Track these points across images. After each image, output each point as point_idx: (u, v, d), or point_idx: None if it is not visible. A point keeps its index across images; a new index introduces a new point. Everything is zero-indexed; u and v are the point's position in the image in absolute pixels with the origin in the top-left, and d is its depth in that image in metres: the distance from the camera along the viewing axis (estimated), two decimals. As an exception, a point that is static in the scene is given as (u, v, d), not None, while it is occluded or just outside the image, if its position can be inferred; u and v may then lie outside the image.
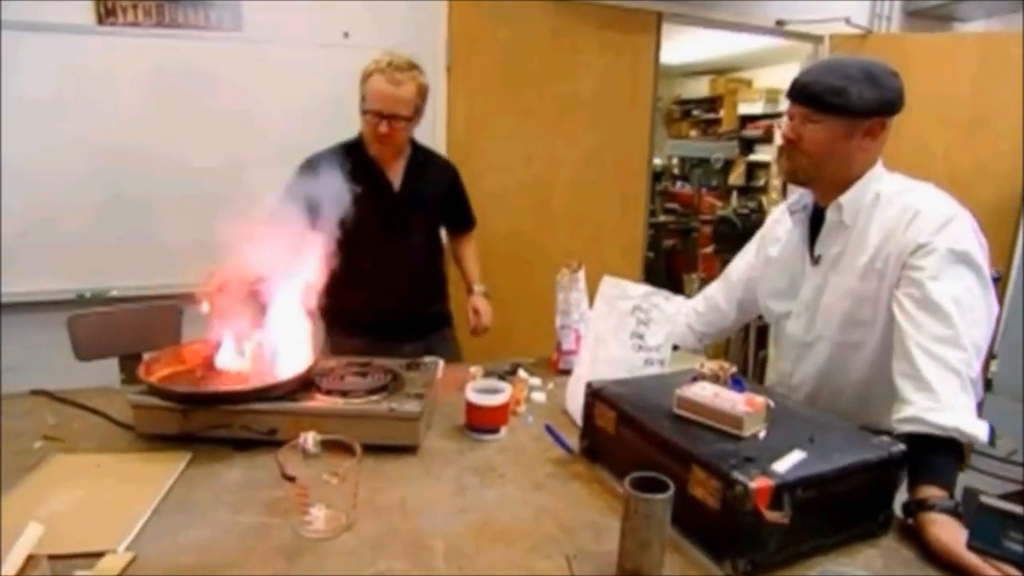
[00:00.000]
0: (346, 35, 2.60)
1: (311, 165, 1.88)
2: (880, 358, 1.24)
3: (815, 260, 1.35)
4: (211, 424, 1.22)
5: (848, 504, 0.99)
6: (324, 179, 1.83)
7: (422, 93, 1.84)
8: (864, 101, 1.18)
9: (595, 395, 1.22)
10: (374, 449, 1.13)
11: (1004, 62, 3.22)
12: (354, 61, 2.60)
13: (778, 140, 5.07)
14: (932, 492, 1.00)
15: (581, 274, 1.73)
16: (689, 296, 1.67)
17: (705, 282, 5.34)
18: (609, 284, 1.43)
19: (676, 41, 4.76)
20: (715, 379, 1.22)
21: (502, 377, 1.54)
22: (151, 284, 2.39)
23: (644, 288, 1.41)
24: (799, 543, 0.95)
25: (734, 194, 6.41)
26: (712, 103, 7.13)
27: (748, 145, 6.53)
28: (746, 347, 3.94)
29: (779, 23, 3.43)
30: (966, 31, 3.81)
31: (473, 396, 1.31)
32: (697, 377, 1.23)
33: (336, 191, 1.82)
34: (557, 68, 2.96)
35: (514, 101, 3.00)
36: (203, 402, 1.23)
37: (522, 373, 1.63)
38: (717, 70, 7.02)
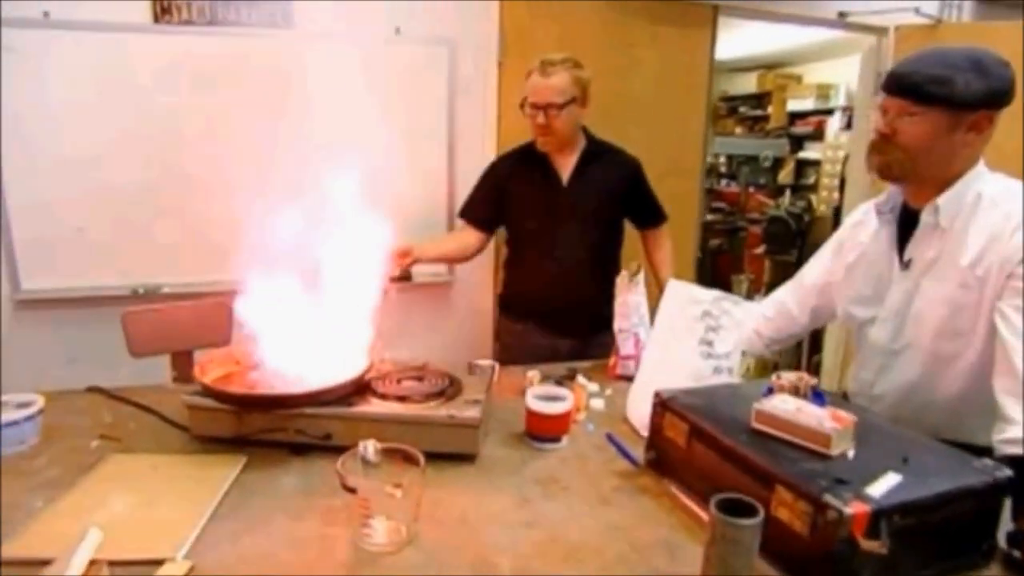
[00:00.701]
0: (397, 31, 2.57)
1: (493, 164, 2.08)
2: (978, 371, 1.15)
3: (905, 264, 1.25)
4: (266, 427, 1.19)
5: (948, 533, 0.92)
6: (501, 175, 2.02)
7: (579, 83, 1.86)
8: (971, 92, 1.08)
9: (664, 405, 1.16)
10: (431, 456, 1.09)
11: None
12: (406, 56, 2.59)
13: (833, 134, 4.84)
14: None
15: (641, 277, 1.67)
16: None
17: (754, 283, 5.22)
18: (676, 287, 1.37)
19: (723, 36, 4.62)
20: (794, 391, 1.14)
21: (559, 382, 1.49)
22: (202, 280, 2.40)
23: (713, 293, 1.34)
24: (894, 574, 0.88)
25: (787, 193, 6.22)
26: (760, 99, 6.96)
27: (797, 142, 6.35)
28: (799, 351, 3.80)
29: (841, 15, 3.29)
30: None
31: (535, 404, 1.25)
32: (773, 389, 1.16)
33: (511, 186, 1.99)
34: (609, 64, 2.87)
35: (564, 97, 2.92)
36: (258, 405, 1.20)
37: (580, 379, 1.56)
38: (765, 65, 6.84)
